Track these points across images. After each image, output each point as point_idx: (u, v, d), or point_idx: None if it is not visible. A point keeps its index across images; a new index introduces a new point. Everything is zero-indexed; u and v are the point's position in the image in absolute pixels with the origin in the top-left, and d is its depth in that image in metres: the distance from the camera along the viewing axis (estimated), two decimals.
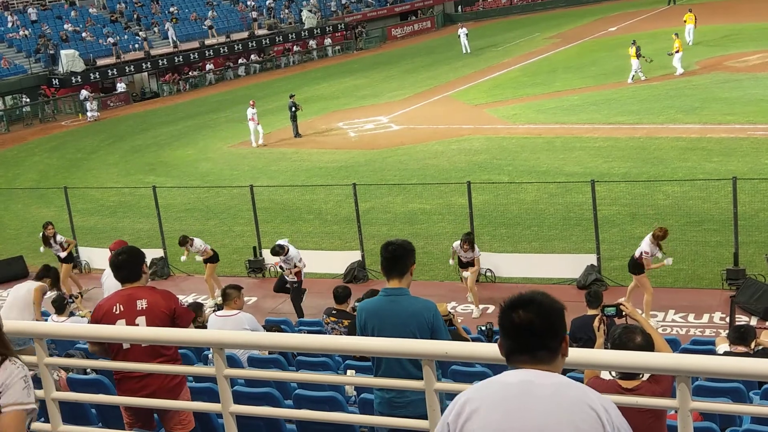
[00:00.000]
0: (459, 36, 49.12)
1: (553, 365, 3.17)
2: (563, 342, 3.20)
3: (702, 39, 39.79)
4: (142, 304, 6.24)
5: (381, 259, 5.97)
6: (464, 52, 48.31)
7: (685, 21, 39.83)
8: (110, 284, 10.41)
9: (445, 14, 69.07)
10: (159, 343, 5.96)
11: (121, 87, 47.27)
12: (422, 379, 5.69)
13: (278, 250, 14.82)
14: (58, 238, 17.59)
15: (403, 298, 5.86)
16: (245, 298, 15.43)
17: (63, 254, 17.53)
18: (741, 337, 8.52)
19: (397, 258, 5.89)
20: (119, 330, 6.04)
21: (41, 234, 17.76)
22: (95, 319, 6.38)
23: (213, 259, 16.57)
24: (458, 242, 14.91)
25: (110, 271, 10.51)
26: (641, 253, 13.15)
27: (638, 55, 32.56)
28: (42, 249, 17.80)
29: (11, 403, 3.98)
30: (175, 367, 6.09)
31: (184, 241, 16.44)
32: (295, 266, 14.94)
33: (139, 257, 6.47)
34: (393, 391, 5.88)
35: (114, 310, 6.27)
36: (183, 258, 16.92)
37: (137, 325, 6.15)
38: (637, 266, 13.36)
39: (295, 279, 15.15)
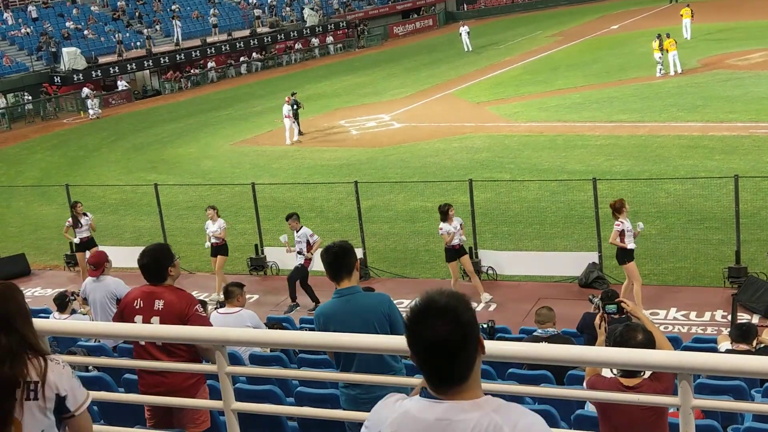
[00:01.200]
0: (460, 34, 49.10)
1: (472, 377, 2.90)
2: (478, 345, 2.90)
3: (704, 37, 39.77)
4: (159, 304, 6.26)
5: (325, 264, 6.02)
6: (466, 50, 48.29)
7: (681, 15, 40.07)
8: (93, 298, 10.36)
9: (447, 12, 69.07)
10: (162, 341, 5.98)
11: (121, 85, 47.26)
12: (392, 373, 5.81)
13: (292, 214, 15.30)
14: (89, 216, 17.70)
15: (358, 296, 5.98)
16: (247, 296, 15.50)
17: (91, 234, 17.59)
18: (743, 335, 8.52)
19: (340, 258, 5.95)
20: (121, 327, 6.07)
21: (70, 217, 17.61)
22: (120, 308, 6.50)
23: (224, 251, 16.56)
24: (444, 224, 14.50)
25: (90, 284, 10.43)
26: (618, 233, 13.25)
27: (662, 48, 32.61)
28: (76, 232, 17.53)
29: (80, 405, 4.03)
30: (178, 364, 6.10)
31: (214, 208, 16.47)
32: (308, 243, 15.13)
33: (162, 260, 6.40)
34: (358, 388, 5.96)
35: (135, 305, 6.34)
36: (207, 244, 16.72)
37: (152, 323, 6.20)
38: (622, 255, 13.42)
39: (302, 264, 15.32)
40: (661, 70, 32.96)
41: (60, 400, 3.95)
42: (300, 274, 15.39)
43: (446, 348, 2.83)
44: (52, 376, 3.92)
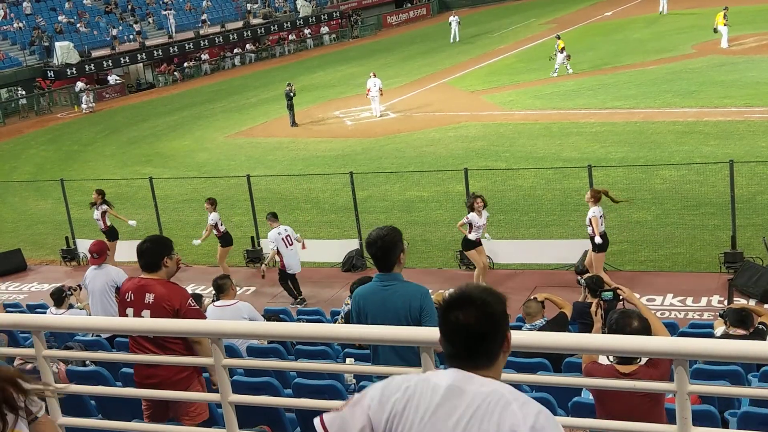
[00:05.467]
0: (450, 24, 48.93)
1: (493, 369, 3.03)
2: (504, 341, 3.05)
3: (698, 22, 39.73)
4: (149, 297, 6.24)
5: (372, 257, 6.02)
6: (452, 41, 47.99)
7: None
8: (93, 287, 10.36)
9: (441, 1, 68.85)
10: (157, 335, 5.97)
11: (112, 79, 47.04)
12: (420, 366, 5.76)
13: (271, 218, 15.20)
14: (101, 208, 17.71)
15: (397, 285, 5.95)
16: (244, 288, 15.52)
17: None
18: (741, 320, 8.50)
19: (387, 253, 5.89)
20: (118, 321, 6.06)
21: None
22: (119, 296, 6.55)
23: (226, 242, 16.62)
24: (471, 215, 14.18)
25: (91, 273, 10.46)
26: (590, 219, 13.50)
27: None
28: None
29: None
30: (175, 357, 6.10)
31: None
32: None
33: (161, 249, 6.41)
34: None
35: (126, 297, 6.34)
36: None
37: (142, 317, 6.18)
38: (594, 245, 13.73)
39: (279, 264, 15.20)
40: (556, 71, 33.20)
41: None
42: (280, 275, 15.30)
43: (470, 333, 2.99)
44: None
